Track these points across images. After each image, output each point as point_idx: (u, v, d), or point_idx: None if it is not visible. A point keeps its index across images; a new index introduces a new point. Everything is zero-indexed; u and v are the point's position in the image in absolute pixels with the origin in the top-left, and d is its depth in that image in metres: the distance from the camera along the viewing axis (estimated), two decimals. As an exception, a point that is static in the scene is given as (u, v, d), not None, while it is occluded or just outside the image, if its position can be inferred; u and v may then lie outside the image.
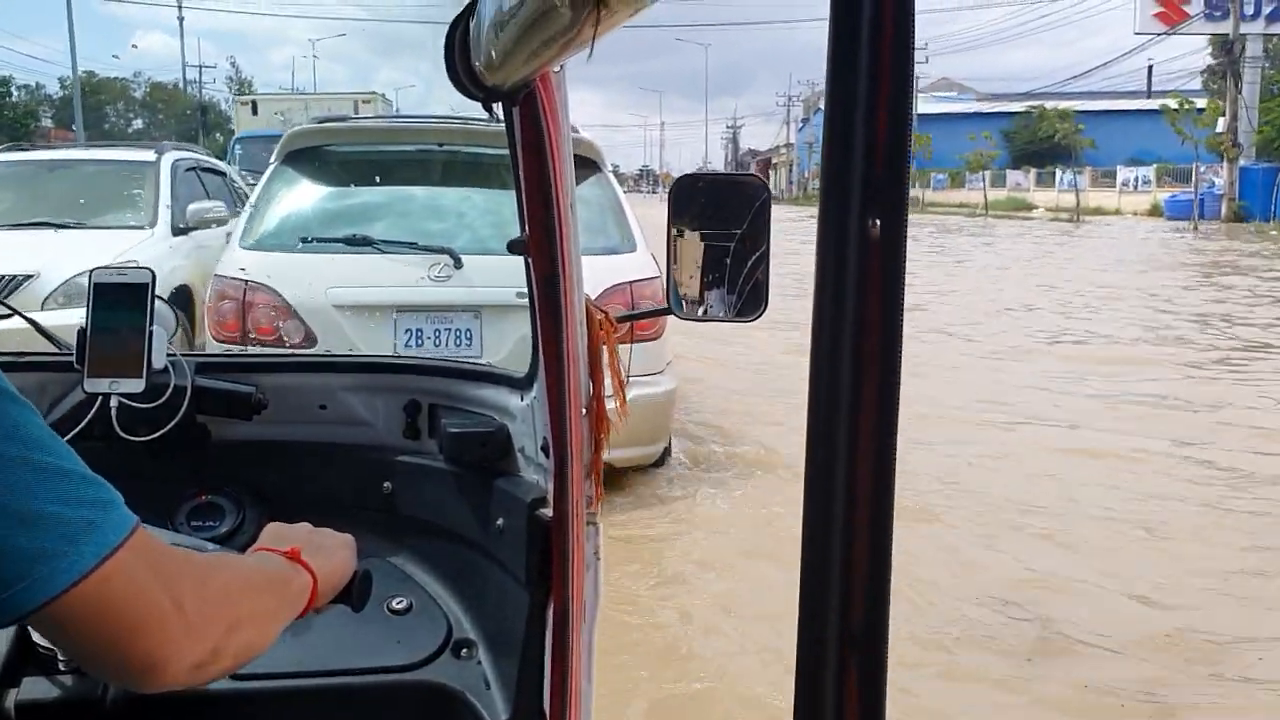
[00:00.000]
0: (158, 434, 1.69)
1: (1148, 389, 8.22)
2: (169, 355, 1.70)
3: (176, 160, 8.42)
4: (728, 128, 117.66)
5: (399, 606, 1.69)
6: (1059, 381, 8.39)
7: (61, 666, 1.43)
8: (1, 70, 55.17)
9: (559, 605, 1.35)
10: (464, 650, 1.64)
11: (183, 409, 1.71)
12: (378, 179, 5.41)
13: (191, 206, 7.90)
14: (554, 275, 1.26)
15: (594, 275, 4.69)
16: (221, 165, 10.15)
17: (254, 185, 8.64)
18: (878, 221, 0.62)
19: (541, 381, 1.41)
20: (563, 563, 1.35)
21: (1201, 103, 37.25)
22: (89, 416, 1.65)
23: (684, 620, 3.93)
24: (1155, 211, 39.67)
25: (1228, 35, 37.28)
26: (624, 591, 4.06)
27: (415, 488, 1.82)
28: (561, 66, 1.16)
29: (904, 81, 0.61)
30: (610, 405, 1.42)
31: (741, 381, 8.18)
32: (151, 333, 1.66)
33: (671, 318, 1.54)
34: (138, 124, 70.32)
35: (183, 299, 7.07)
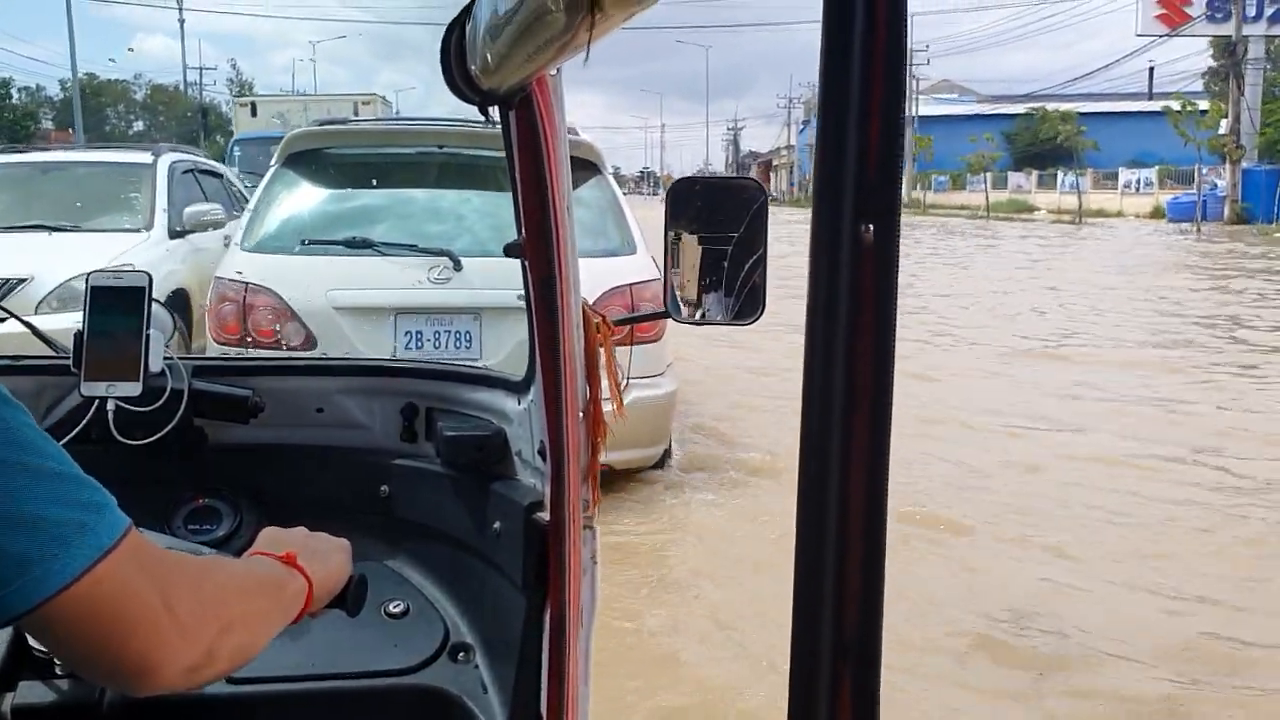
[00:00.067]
0: (155, 437, 1.69)
1: (1157, 393, 8.15)
2: (166, 359, 1.70)
3: (173, 162, 8.34)
4: (728, 130, 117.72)
5: (396, 610, 1.69)
6: (1067, 385, 8.33)
7: (58, 671, 1.43)
8: (2, 72, 55.32)
9: (556, 609, 1.35)
10: (461, 654, 1.64)
11: (180, 412, 1.71)
12: (378, 181, 5.42)
13: (188, 209, 7.82)
14: (551, 278, 1.26)
15: (594, 277, 4.74)
16: (219, 167, 10.10)
17: (252, 188, 8.62)
18: (871, 226, 0.62)
19: (538, 385, 1.41)
20: (560, 567, 1.34)
21: (1204, 104, 37.24)
22: (86, 420, 1.65)
23: (680, 630, 3.90)
24: (1157, 213, 39.61)
25: (1230, 37, 37.26)
26: (620, 599, 4.03)
27: (412, 491, 1.82)
28: (558, 70, 1.16)
29: (896, 86, 0.61)
30: (607, 408, 1.41)
31: (743, 384, 8.16)
32: (148, 336, 1.66)
33: (671, 320, 1.54)
34: (138, 126, 70.32)
35: (179, 303, 7.02)
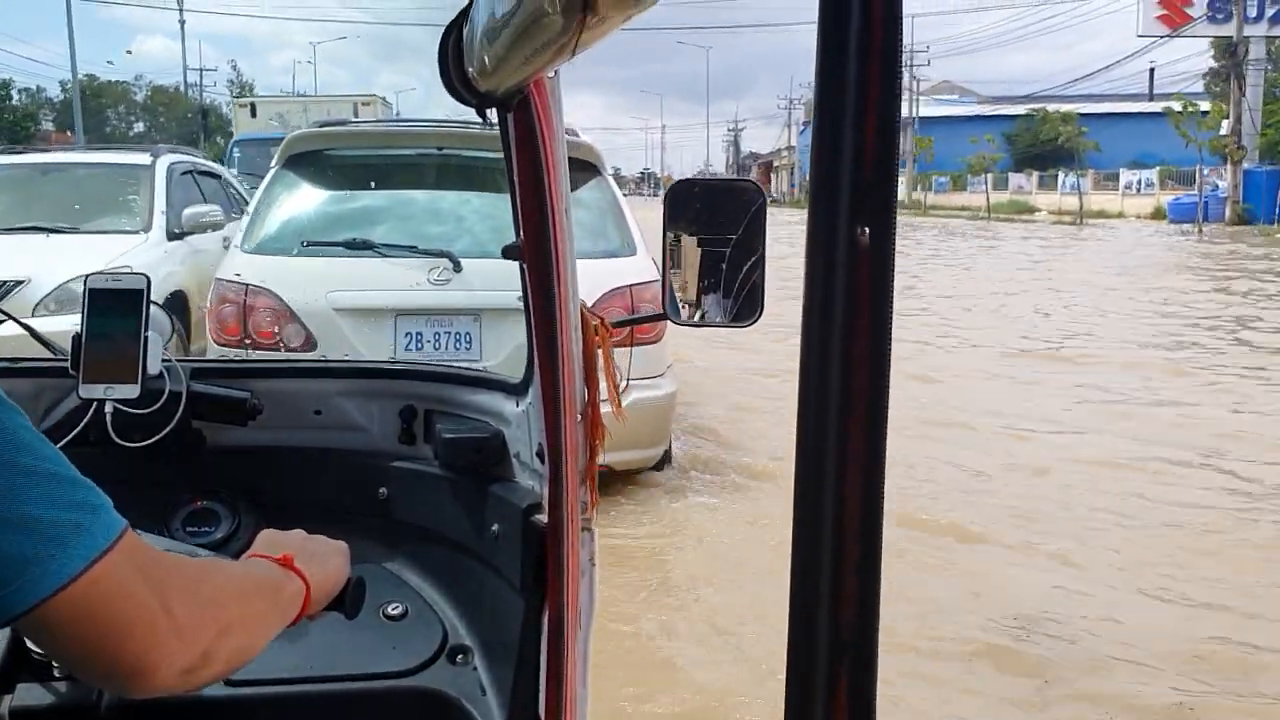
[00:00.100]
0: (153, 439, 1.69)
1: (1163, 395, 8.11)
2: (164, 361, 1.70)
3: (172, 163, 8.28)
4: (729, 131, 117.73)
5: (394, 612, 1.69)
6: (1072, 387, 8.28)
7: (56, 673, 1.43)
8: (2, 74, 55.35)
9: (554, 611, 1.35)
10: (460, 656, 1.64)
11: (178, 414, 1.71)
12: (378, 183, 5.43)
13: (187, 211, 7.75)
14: (549, 281, 1.26)
15: (595, 279, 4.74)
16: (218, 168, 10.03)
17: (251, 189, 8.58)
18: (867, 229, 0.62)
19: (537, 387, 1.41)
20: (558, 569, 1.34)
21: (1205, 105, 37.23)
22: (84, 422, 1.65)
23: (679, 634, 3.87)
24: (1158, 214, 39.60)
25: (1231, 37, 37.26)
26: (618, 602, 4.00)
27: (411, 493, 1.82)
28: (555, 72, 1.16)
29: (892, 86, 0.61)
30: (605, 410, 1.41)
31: (744, 385, 8.14)
32: (147, 338, 1.66)
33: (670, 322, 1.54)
34: (139, 127, 70.33)
35: (178, 305, 6.96)
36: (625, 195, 5.82)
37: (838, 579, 0.64)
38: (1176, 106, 34.94)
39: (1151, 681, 3.54)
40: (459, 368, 1.97)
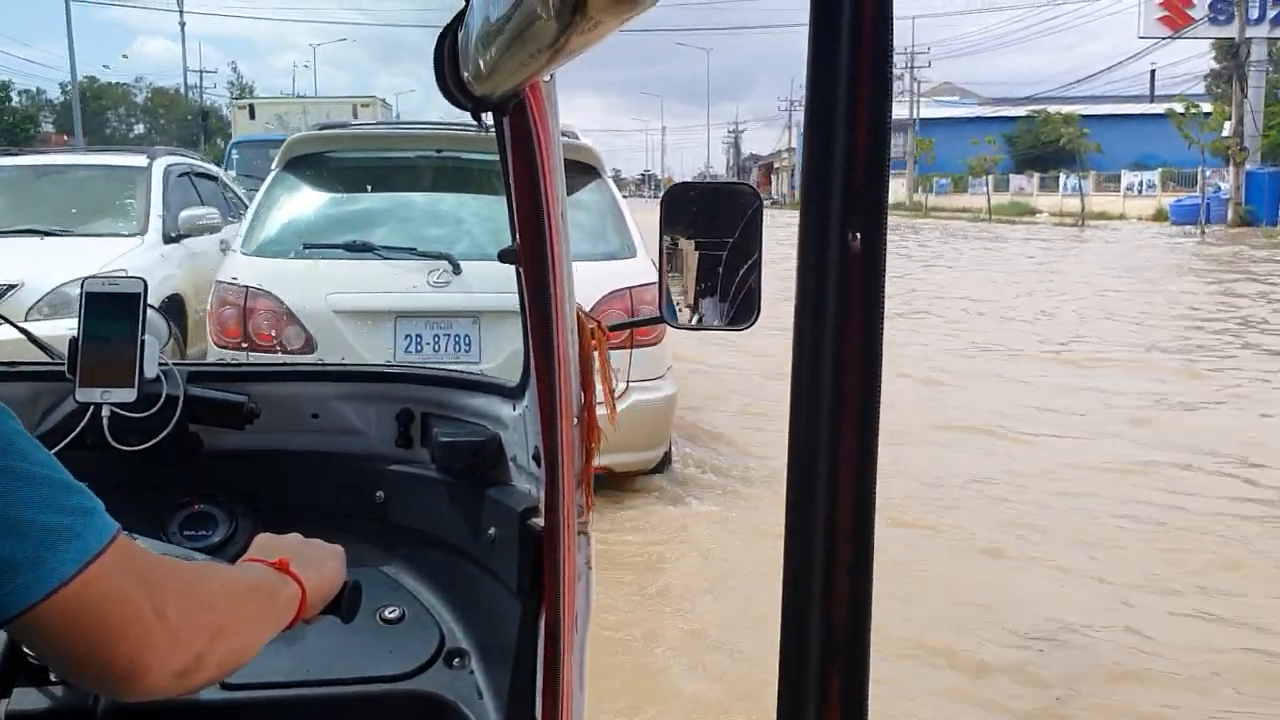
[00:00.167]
0: (150, 443, 1.69)
1: (1177, 399, 8.02)
2: (161, 365, 1.70)
3: (169, 165, 8.17)
4: (729, 132, 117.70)
5: (391, 616, 1.69)
6: (1083, 390, 8.19)
7: (52, 677, 1.43)
8: (2, 75, 55.36)
9: (551, 615, 1.35)
10: (456, 660, 1.64)
11: (175, 418, 1.71)
12: (378, 185, 5.44)
13: (184, 213, 7.65)
14: (545, 284, 1.26)
15: (595, 281, 4.75)
16: (215, 170, 9.93)
17: (250, 191, 8.50)
18: (858, 234, 0.62)
19: (533, 390, 1.41)
20: (554, 572, 1.34)
21: (1207, 107, 37.21)
22: (81, 426, 1.65)
23: (675, 645, 3.81)
24: (1160, 216, 39.57)
25: (1232, 39, 37.24)
26: (613, 610, 3.96)
27: (407, 497, 1.82)
28: (551, 76, 1.16)
29: (883, 89, 0.61)
30: (602, 413, 1.41)
31: (744, 386, 8.10)
32: (144, 342, 1.66)
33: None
34: (139, 129, 70.38)
35: (174, 308, 6.87)
36: (625, 197, 5.82)
37: (830, 579, 0.65)
38: (1179, 108, 34.94)
39: (1173, 696, 3.46)
40: (456, 371, 1.97)
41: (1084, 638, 3.87)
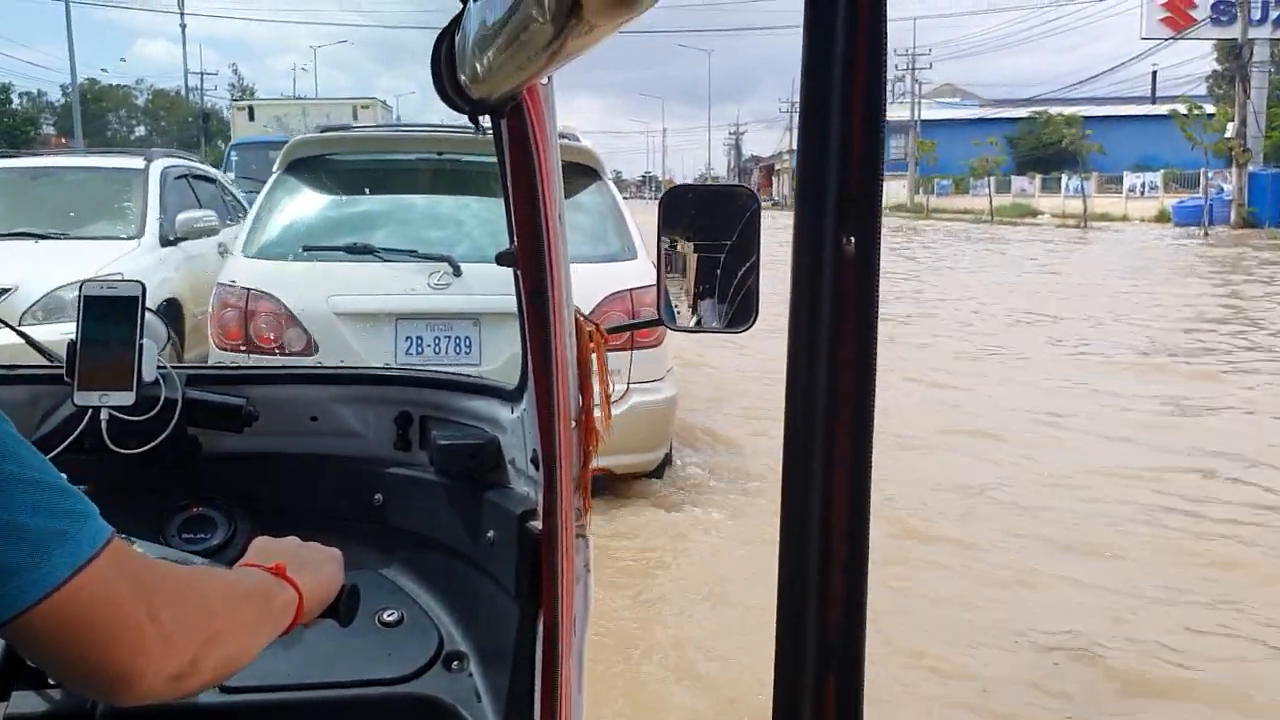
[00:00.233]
0: (149, 446, 1.69)
1: (1187, 403, 7.93)
2: (159, 368, 1.70)
3: (166, 167, 8.04)
4: (730, 134, 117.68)
5: (390, 619, 1.69)
6: (1094, 395, 8.10)
7: (51, 681, 1.43)
8: (2, 77, 55.41)
9: (549, 618, 1.35)
10: (455, 663, 1.64)
11: (173, 422, 1.71)
12: (379, 188, 5.45)
13: (181, 216, 7.52)
14: (542, 287, 1.27)
15: (595, 282, 4.75)
16: (214, 172, 9.80)
17: (249, 193, 8.42)
18: (852, 239, 0.62)
19: (531, 393, 1.41)
20: (552, 575, 1.34)
21: (1210, 108, 37.19)
22: (79, 429, 1.65)
23: (668, 659, 3.75)
24: (1163, 217, 39.51)
25: (1235, 40, 37.22)
26: (609, 617, 3.91)
27: (406, 500, 1.82)
28: (549, 79, 1.16)
29: (877, 91, 0.61)
30: (596, 415, 1.41)
31: (750, 389, 8.06)
32: (142, 345, 1.66)
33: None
34: (140, 131, 70.45)
35: (171, 312, 6.78)
36: (626, 199, 5.83)
37: (825, 579, 0.65)
38: (1183, 109, 34.93)
39: (1197, 712, 3.39)
40: (454, 374, 1.97)
41: (1100, 649, 3.79)
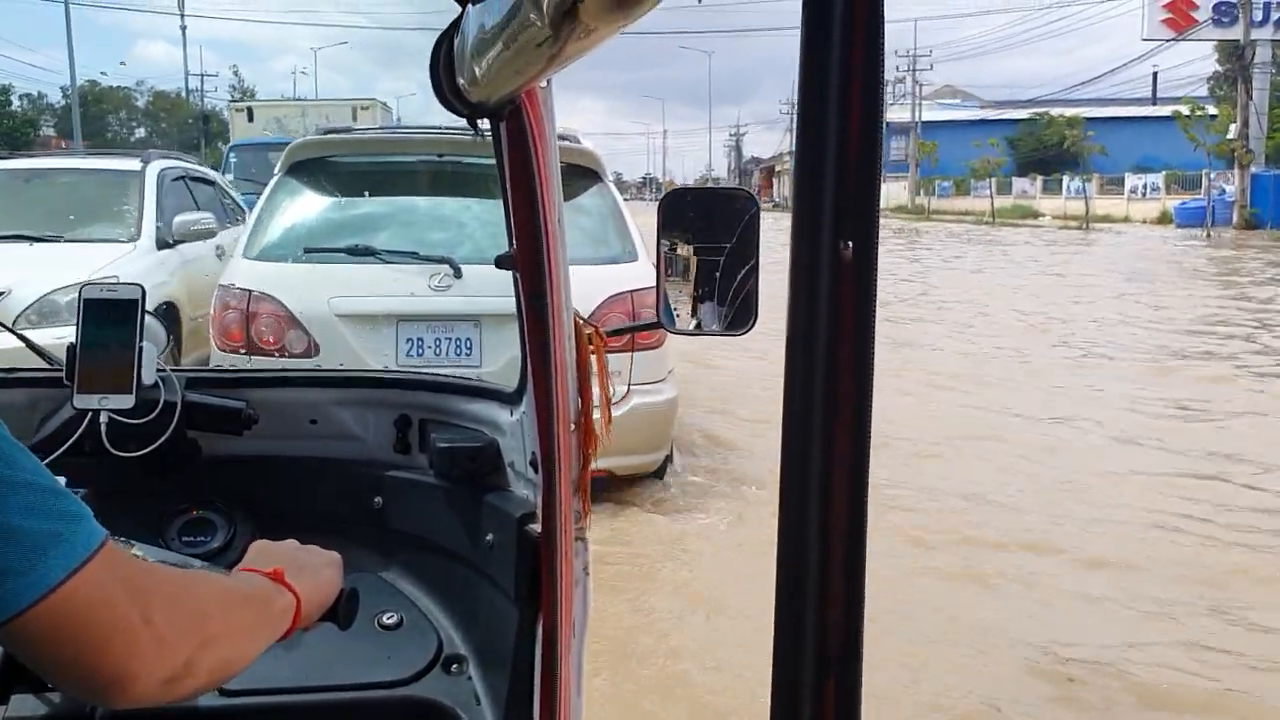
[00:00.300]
0: (148, 449, 1.69)
1: (1196, 405, 7.88)
2: (159, 371, 1.70)
3: (163, 169, 7.94)
4: (731, 135, 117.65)
5: (389, 622, 1.69)
6: (1104, 398, 8.04)
7: (50, 684, 1.43)
8: (3, 79, 55.39)
9: (548, 621, 1.35)
10: (454, 666, 1.64)
11: (173, 425, 1.71)
12: (379, 190, 5.45)
13: (178, 219, 7.43)
14: (541, 290, 1.27)
15: (596, 285, 4.75)
16: (212, 174, 9.68)
17: (248, 194, 8.35)
18: (850, 243, 0.62)
19: (530, 396, 1.41)
20: (552, 578, 1.34)
21: (1212, 110, 37.19)
22: (79, 432, 1.65)
23: (665, 669, 3.68)
24: (1164, 219, 39.46)
25: (1236, 41, 37.21)
26: (606, 623, 3.86)
27: (406, 502, 1.82)
28: (548, 82, 1.16)
29: (874, 104, 0.61)
30: (596, 418, 1.41)
31: (752, 391, 8.04)
32: (141, 348, 1.66)
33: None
34: (140, 133, 70.42)
35: (168, 316, 6.72)
36: (627, 200, 5.82)
37: (824, 580, 0.65)
38: (1185, 110, 34.92)
39: None
40: (454, 377, 1.97)
41: (1119, 659, 3.73)
